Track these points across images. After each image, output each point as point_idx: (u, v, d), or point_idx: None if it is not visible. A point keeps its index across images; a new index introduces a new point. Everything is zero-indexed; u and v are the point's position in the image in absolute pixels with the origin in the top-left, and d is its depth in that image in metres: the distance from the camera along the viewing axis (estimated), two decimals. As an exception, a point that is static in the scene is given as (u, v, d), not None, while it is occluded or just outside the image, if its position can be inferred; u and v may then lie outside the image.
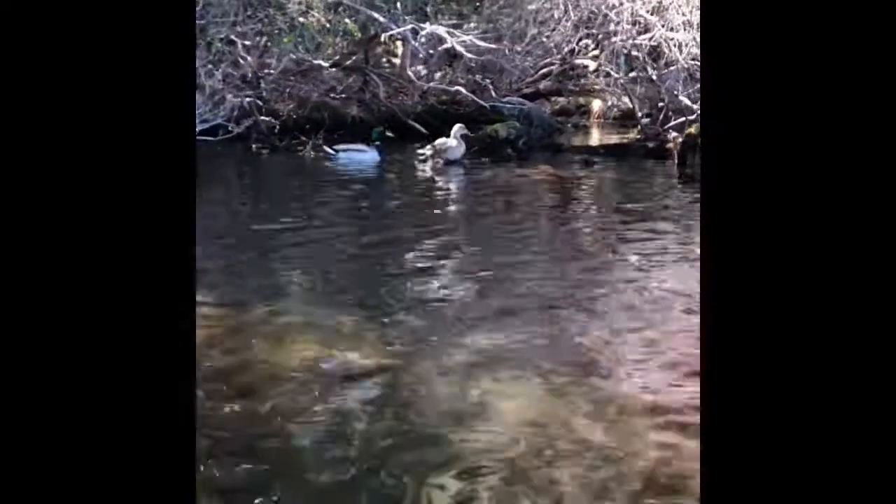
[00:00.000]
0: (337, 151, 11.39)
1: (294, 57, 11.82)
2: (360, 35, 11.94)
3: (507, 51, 13.28)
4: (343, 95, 12.76)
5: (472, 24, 12.76)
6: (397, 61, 13.20)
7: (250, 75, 11.70)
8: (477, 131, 12.67)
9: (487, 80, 13.45)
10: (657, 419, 3.74)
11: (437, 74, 13.68)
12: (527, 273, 6.11)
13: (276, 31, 11.43)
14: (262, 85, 11.98)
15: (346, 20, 11.71)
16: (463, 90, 12.26)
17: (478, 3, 13.46)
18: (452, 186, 10.50)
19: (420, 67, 13.70)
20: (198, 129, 9.66)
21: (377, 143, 11.62)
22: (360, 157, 11.43)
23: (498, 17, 12.87)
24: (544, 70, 14.22)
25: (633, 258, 6.65)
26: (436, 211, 8.78)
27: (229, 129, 10.32)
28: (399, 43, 12.26)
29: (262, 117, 12.02)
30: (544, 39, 13.28)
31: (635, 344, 4.70)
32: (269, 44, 11.63)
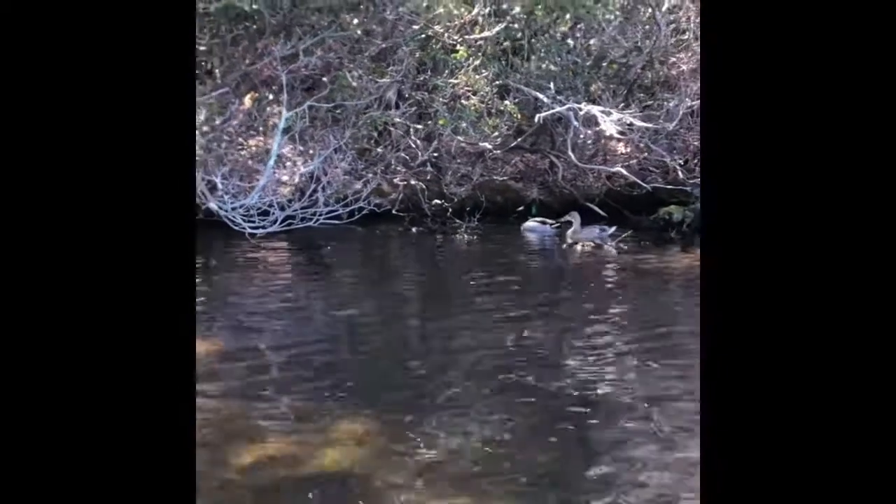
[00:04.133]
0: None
1: (461, 138, 11.83)
2: (520, 116, 11.74)
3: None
4: (505, 177, 12.58)
5: (651, 104, 12.20)
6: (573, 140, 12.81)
7: (413, 157, 11.82)
8: (653, 213, 12.15)
9: (677, 162, 12.74)
10: None
11: (624, 154, 13.15)
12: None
13: (434, 113, 11.51)
14: (428, 167, 12.06)
15: (507, 101, 11.56)
16: (624, 171, 11.66)
17: (657, 85, 12.84)
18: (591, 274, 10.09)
19: (617, 145, 13.25)
20: (328, 210, 9.89)
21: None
22: (542, 230, 11.89)
23: (672, 97, 12.20)
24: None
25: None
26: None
27: (371, 208, 10.47)
28: (573, 123, 11.89)
29: (437, 200, 12.10)
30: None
31: None
32: (430, 126, 11.72)
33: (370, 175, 10.91)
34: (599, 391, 5.80)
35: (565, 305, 8.48)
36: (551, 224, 11.84)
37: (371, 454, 4.74)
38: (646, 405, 5.56)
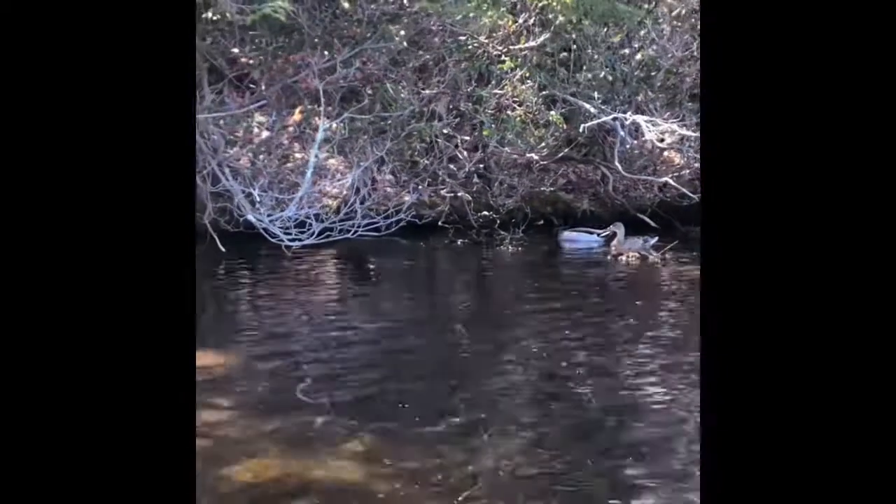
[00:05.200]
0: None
1: (507, 149, 11.75)
2: (566, 126, 11.61)
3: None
4: (554, 188, 12.45)
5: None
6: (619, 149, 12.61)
7: (460, 168, 11.78)
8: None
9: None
10: None
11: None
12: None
13: (480, 123, 11.46)
14: (475, 179, 12.01)
15: (552, 112, 11.44)
16: (672, 181, 11.45)
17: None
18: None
19: (673, 156, 13.01)
20: (367, 223, 9.90)
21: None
22: (587, 241, 11.72)
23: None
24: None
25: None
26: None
27: (411, 220, 10.43)
28: (619, 134, 11.71)
29: (484, 212, 12.04)
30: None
31: None
32: (477, 137, 11.68)
33: (414, 186, 10.89)
34: (642, 411, 5.61)
35: (608, 318, 8.32)
36: (598, 234, 11.67)
37: (388, 471, 4.65)
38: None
